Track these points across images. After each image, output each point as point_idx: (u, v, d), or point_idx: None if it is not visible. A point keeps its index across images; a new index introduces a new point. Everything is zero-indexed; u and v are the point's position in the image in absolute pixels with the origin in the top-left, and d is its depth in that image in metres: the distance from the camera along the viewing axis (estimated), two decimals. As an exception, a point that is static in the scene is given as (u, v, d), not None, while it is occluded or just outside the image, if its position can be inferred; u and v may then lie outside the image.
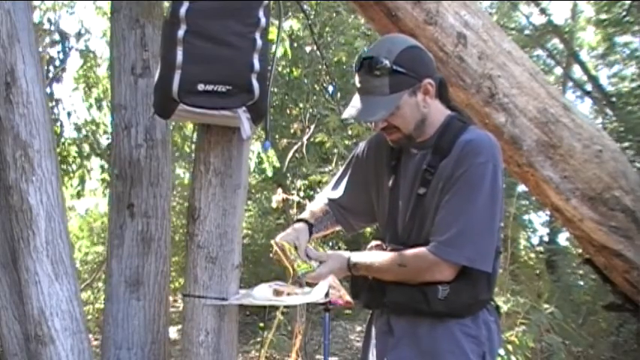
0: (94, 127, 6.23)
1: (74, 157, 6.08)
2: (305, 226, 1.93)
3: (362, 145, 2.01)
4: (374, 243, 1.86)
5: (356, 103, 1.75)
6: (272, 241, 1.86)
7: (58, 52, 5.56)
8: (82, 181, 6.19)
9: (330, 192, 2.02)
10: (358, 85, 1.76)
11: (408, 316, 1.75)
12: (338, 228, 2.07)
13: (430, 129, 1.77)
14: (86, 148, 6.14)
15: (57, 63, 5.54)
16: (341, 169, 2.06)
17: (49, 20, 5.72)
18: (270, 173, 5.81)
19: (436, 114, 1.77)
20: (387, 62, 1.68)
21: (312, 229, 1.94)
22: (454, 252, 1.65)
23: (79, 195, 6.35)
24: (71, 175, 6.08)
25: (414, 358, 1.74)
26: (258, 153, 5.48)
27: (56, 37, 5.57)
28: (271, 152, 5.61)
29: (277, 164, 5.75)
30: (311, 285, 1.80)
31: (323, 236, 2.07)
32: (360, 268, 1.78)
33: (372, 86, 1.71)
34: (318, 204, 2.04)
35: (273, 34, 2.31)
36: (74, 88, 6.20)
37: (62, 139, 5.88)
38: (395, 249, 1.77)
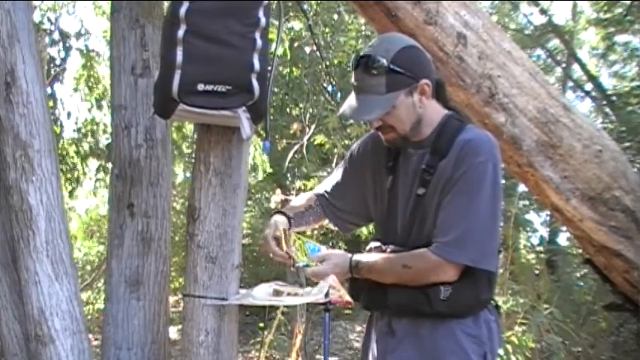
0: (94, 127, 6.23)
1: (71, 157, 6.07)
2: (284, 218, 1.91)
3: (358, 143, 1.99)
4: (373, 245, 1.86)
5: (352, 101, 1.75)
6: (265, 234, 1.85)
7: (59, 52, 5.56)
8: (77, 181, 6.18)
9: (324, 190, 2.01)
10: (355, 83, 1.75)
11: (409, 317, 1.75)
12: (319, 224, 2.06)
13: (426, 129, 1.76)
14: (85, 147, 6.13)
15: (57, 62, 5.54)
16: (338, 166, 2.05)
17: (48, 19, 5.72)
18: (260, 177, 5.80)
19: (432, 114, 1.77)
20: (384, 61, 1.67)
21: (291, 221, 1.92)
22: (457, 252, 1.65)
23: (71, 194, 6.32)
24: (69, 175, 6.07)
25: (416, 358, 1.74)
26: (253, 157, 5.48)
27: (56, 36, 5.56)
28: (264, 156, 5.61)
29: (268, 169, 5.74)
30: (311, 285, 1.80)
31: (323, 235, 2.07)
32: (362, 268, 1.77)
33: (369, 85, 1.70)
34: (302, 199, 2.02)
35: (273, 34, 2.31)
36: (74, 88, 6.20)
37: (61, 140, 5.88)
38: (395, 250, 1.76)
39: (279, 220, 1.90)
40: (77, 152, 6.08)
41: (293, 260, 1.79)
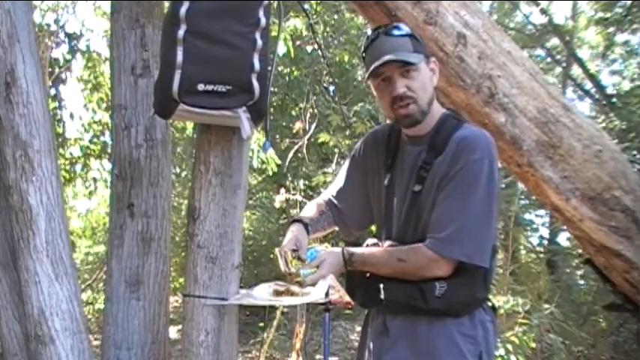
0: (102, 127, 6.25)
1: (77, 158, 6.09)
2: (302, 226, 1.92)
3: (359, 143, 2.00)
4: (370, 241, 1.86)
5: (381, 54, 1.71)
6: (276, 250, 1.86)
7: (63, 54, 5.57)
8: (88, 181, 6.21)
9: (330, 193, 2.03)
10: (381, 47, 1.71)
11: (404, 315, 1.75)
12: (335, 228, 2.07)
13: (430, 120, 1.77)
14: (88, 147, 6.16)
15: (61, 64, 5.55)
16: (341, 169, 2.06)
17: (55, 21, 5.73)
18: (271, 172, 5.80)
19: (435, 106, 1.80)
20: (406, 28, 1.74)
21: (308, 228, 1.93)
22: (452, 248, 1.66)
23: (90, 194, 6.37)
24: (72, 175, 6.09)
25: (410, 357, 1.74)
26: (257, 152, 5.47)
27: (60, 38, 5.57)
28: (271, 151, 5.60)
29: (278, 161, 5.74)
30: (311, 285, 1.81)
31: (323, 236, 2.08)
32: (357, 260, 1.78)
33: (398, 43, 1.72)
34: (315, 204, 2.04)
35: (274, 32, 2.31)
36: (83, 88, 6.21)
37: (65, 140, 5.90)
38: (392, 246, 1.77)
39: (297, 230, 1.89)
40: (89, 154, 6.11)
41: (295, 276, 1.80)
